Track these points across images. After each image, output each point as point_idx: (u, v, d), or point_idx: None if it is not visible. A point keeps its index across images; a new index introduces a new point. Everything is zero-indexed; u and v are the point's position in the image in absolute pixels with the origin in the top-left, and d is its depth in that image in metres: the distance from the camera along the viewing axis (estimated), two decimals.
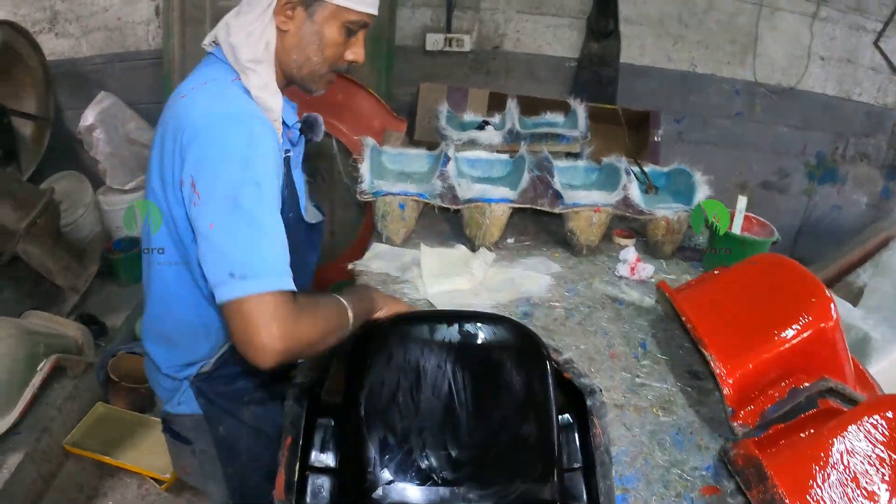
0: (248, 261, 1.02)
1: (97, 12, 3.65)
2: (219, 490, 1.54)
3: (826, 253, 3.67)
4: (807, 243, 4.40)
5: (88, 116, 3.56)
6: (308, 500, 1.11)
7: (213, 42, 1.27)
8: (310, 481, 1.12)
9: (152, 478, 2.61)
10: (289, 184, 1.29)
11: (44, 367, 2.56)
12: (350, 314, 1.19)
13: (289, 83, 1.31)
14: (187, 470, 1.58)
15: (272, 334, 0.99)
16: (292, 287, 1.05)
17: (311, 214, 1.46)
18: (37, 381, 2.52)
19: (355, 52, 1.27)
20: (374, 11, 1.25)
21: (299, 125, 1.38)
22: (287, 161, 1.29)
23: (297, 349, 1.05)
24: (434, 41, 3.63)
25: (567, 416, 1.21)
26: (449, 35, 3.63)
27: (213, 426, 1.41)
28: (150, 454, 2.66)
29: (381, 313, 1.31)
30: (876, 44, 3.98)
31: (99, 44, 3.73)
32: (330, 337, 1.13)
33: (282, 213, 1.15)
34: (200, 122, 1.10)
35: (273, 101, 1.20)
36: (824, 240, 4.35)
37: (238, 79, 1.20)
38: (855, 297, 3.07)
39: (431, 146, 2.43)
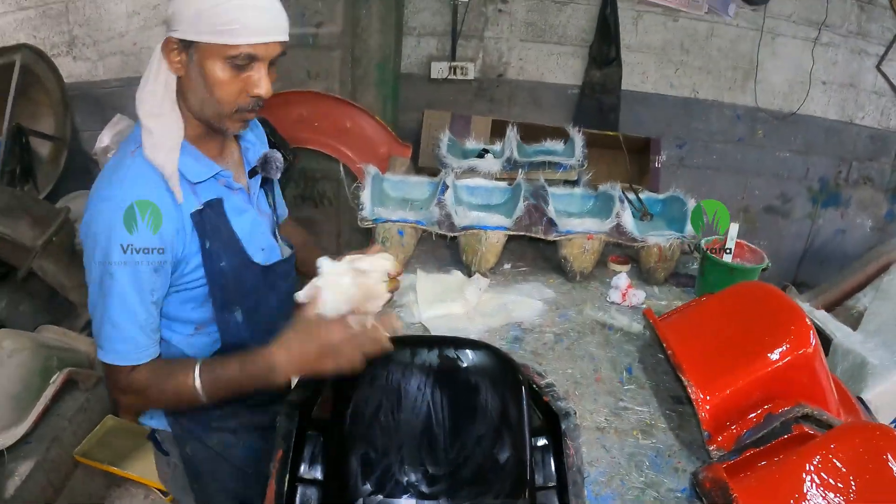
0: (100, 336, 1.23)
1: (114, 37, 3.78)
2: (188, 500, 1.62)
3: (830, 277, 3.69)
4: (810, 268, 4.43)
5: (104, 138, 3.68)
6: None
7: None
8: (299, 492, 1.19)
9: (158, 489, 2.68)
10: (214, 235, 1.27)
11: (56, 380, 2.63)
12: (200, 394, 1.22)
13: (209, 127, 1.27)
14: (165, 477, 1.67)
15: (117, 395, 1.27)
16: (133, 363, 1.23)
17: (279, 252, 1.47)
18: (49, 393, 2.59)
19: (257, 87, 1.18)
20: (262, 40, 1.15)
21: (249, 166, 1.41)
22: (211, 212, 1.27)
23: (141, 408, 1.34)
24: (439, 69, 3.73)
25: (543, 438, 1.26)
26: (453, 63, 3.74)
27: (181, 445, 1.49)
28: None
29: (281, 381, 1.23)
30: (878, 67, 4.04)
31: (115, 68, 3.87)
32: (177, 407, 1.35)
33: (209, 267, 1.27)
34: (89, 200, 1.24)
35: (165, 159, 1.19)
36: (828, 264, 4.39)
37: (137, 147, 1.21)
38: (855, 322, 3.09)
39: (435, 172, 2.51)
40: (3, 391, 2.49)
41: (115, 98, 3.89)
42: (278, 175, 1.46)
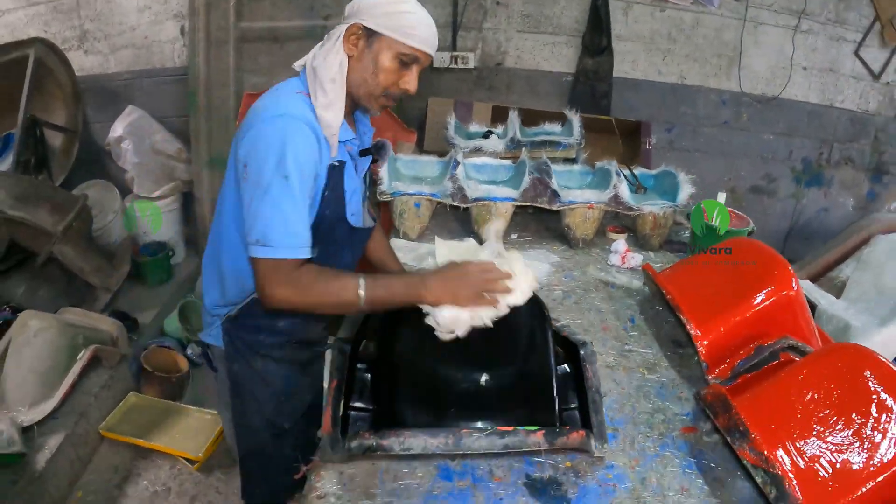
0: (268, 233, 1.35)
1: (125, 31, 3.89)
2: (227, 416, 1.82)
3: (814, 252, 3.86)
4: (795, 245, 4.60)
5: (117, 128, 3.80)
6: (349, 433, 1.33)
7: (302, 66, 1.53)
8: (351, 417, 1.36)
9: (184, 458, 2.77)
10: (334, 187, 1.49)
11: (84, 356, 2.74)
12: (362, 298, 1.37)
13: (353, 103, 1.53)
14: (212, 392, 1.88)
15: (274, 290, 1.37)
16: (300, 256, 1.37)
17: (363, 220, 1.71)
18: (77, 369, 2.71)
19: (407, 83, 1.46)
20: (427, 50, 1.44)
21: (360, 146, 1.64)
22: (338, 169, 1.49)
23: (293, 305, 1.39)
24: (441, 59, 3.88)
25: (565, 366, 1.44)
26: (454, 53, 3.89)
27: (229, 362, 1.68)
28: (181, 437, 2.83)
29: (429, 299, 1.36)
30: (856, 53, 4.22)
31: (127, 61, 3.97)
32: (328, 308, 1.44)
33: (320, 210, 1.48)
34: (254, 119, 1.41)
35: (333, 118, 1.43)
36: (813, 241, 4.56)
37: (303, 92, 1.45)
38: (838, 291, 3.26)
39: (440, 156, 2.67)
40: (30, 369, 2.61)
41: (127, 90, 4.00)
42: (385, 160, 1.75)
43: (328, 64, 1.43)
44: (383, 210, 2.49)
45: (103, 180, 3.93)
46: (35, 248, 3.16)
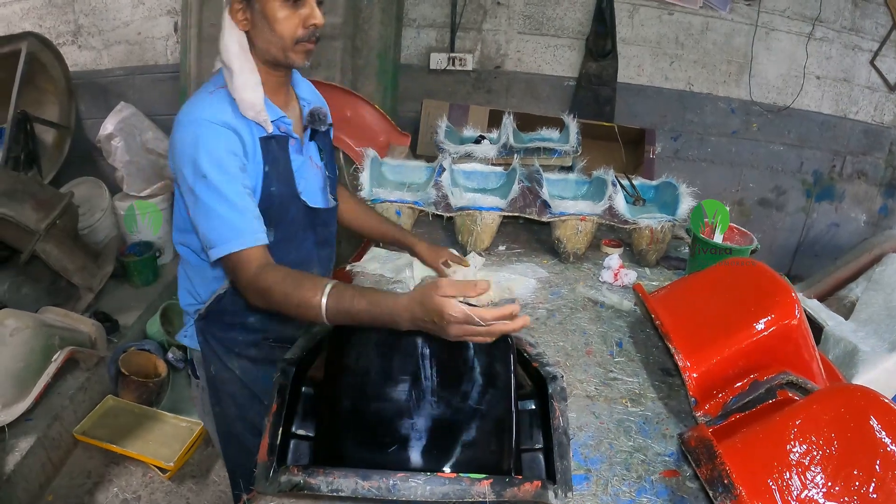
0: (210, 236, 1.34)
1: (119, 27, 3.83)
2: (211, 426, 1.79)
3: (823, 269, 3.73)
4: (804, 261, 4.47)
5: (108, 125, 3.73)
6: (289, 463, 1.21)
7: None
8: (291, 446, 1.24)
9: (157, 466, 2.72)
10: (273, 162, 1.46)
11: (58, 358, 2.68)
12: (324, 311, 1.23)
13: (275, 68, 1.48)
14: (195, 401, 1.84)
15: (243, 287, 1.35)
16: (249, 245, 1.33)
17: (323, 200, 1.66)
18: (51, 370, 2.65)
19: (312, 18, 1.40)
20: None
21: (307, 118, 1.60)
22: (274, 143, 1.47)
23: (263, 303, 1.32)
24: (438, 60, 3.77)
25: (531, 402, 1.30)
26: (452, 55, 3.78)
27: (207, 364, 1.65)
28: (155, 444, 2.78)
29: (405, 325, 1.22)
30: (872, 62, 4.08)
31: (120, 56, 3.92)
32: (293, 311, 1.29)
33: (264, 187, 1.45)
34: (174, 129, 1.40)
35: (253, 97, 1.40)
36: (822, 257, 4.42)
37: (221, 86, 1.43)
38: (847, 311, 3.13)
39: (432, 159, 2.55)
40: (5, 369, 2.55)
41: (119, 86, 3.94)
42: (323, 127, 1.64)
43: (227, 46, 1.41)
44: None
45: (93, 178, 3.89)
46: (19, 246, 3.12)
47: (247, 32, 1.42)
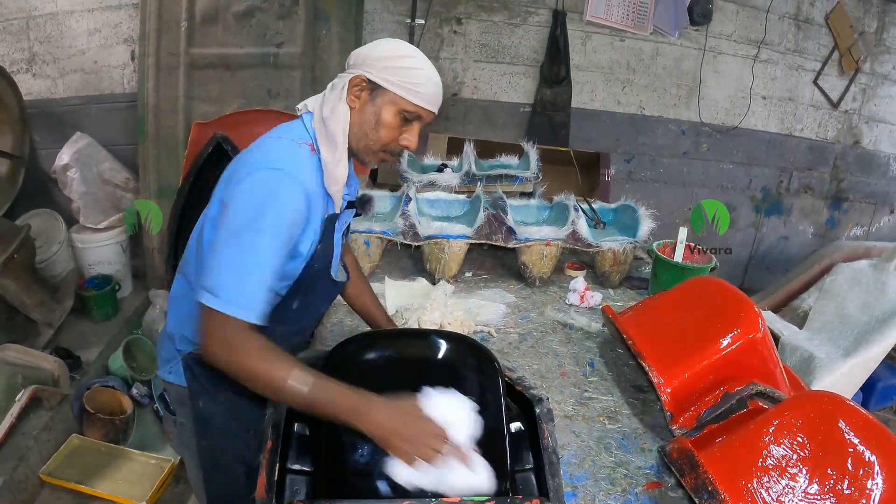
0: (221, 283, 1.25)
1: (74, 55, 3.74)
2: (193, 461, 1.71)
3: (775, 282, 3.84)
4: (756, 274, 4.61)
5: (64, 156, 3.62)
6: (286, 499, 1.21)
7: (305, 107, 1.45)
8: (288, 482, 1.24)
9: None
10: (324, 241, 1.44)
11: (22, 398, 2.59)
12: (305, 393, 1.20)
13: (352, 154, 1.45)
14: (170, 436, 1.78)
15: (213, 346, 1.25)
16: (246, 318, 1.25)
17: (339, 273, 1.64)
18: (15, 410, 2.56)
19: (407, 139, 1.39)
20: (432, 108, 1.38)
21: (350, 198, 1.57)
22: (330, 221, 1.44)
23: (226, 369, 1.25)
24: None
25: (518, 423, 1.33)
26: None
27: (194, 399, 1.58)
28: (125, 483, 2.69)
29: (367, 429, 1.19)
30: (815, 82, 4.28)
31: (75, 85, 3.82)
32: (260, 387, 1.26)
33: (309, 262, 1.42)
34: (250, 165, 1.32)
35: (340, 172, 1.39)
36: (773, 270, 4.57)
37: (308, 143, 1.39)
38: (801, 321, 3.23)
39: (394, 188, 2.58)
40: None
41: (75, 116, 3.84)
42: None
43: (338, 117, 1.38)
44: None
45: (48, 210, 3.76)
46: None
47: (350, 108, 1.40)
